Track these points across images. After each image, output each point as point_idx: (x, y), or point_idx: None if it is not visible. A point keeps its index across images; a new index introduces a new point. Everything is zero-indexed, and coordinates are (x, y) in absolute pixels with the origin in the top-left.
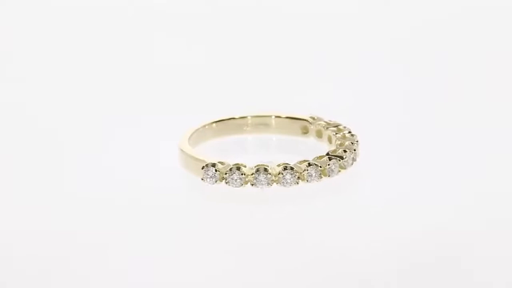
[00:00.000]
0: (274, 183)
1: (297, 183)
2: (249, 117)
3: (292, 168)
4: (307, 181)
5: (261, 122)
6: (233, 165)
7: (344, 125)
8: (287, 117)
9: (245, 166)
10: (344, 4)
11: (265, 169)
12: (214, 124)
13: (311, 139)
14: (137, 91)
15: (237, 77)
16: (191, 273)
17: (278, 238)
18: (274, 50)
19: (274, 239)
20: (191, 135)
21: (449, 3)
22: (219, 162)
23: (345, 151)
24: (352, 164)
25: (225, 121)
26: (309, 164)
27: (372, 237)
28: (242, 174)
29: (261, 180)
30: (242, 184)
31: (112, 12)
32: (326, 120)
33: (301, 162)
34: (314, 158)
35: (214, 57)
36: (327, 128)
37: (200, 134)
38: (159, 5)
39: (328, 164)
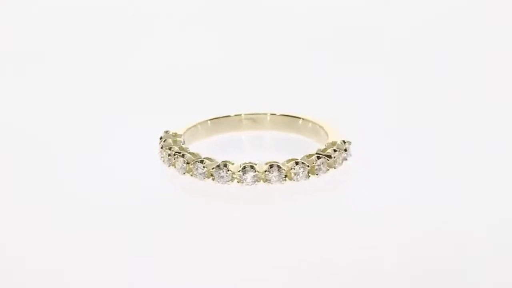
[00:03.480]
0: (235, 180)
1: (257, 183)
2: (243, 115)
3: (252, 167)
4: (269, 182)
5: (256, 120)
6: (201, 158)
7: (345, 133)
8: (281, 115)
9: (211, 161)
10: (342, 4)
11: (225, 165)
12: (208, 122)
13: (307, 138)
14: (137, 91)
15: (236, 77)
16: (191, 273)
17: (275, 238)
18: (272, 49)
19: (273, 239)
20: (184, 133)
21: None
22: (189, 153)
23: (318, 157)
24: (327, 170)
25: (219, 119)
26: (271, 166)
27: (367, 237)
28: (204, 168)
29: (222, 176)
30: (204, 178)
31: (111, 13)
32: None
33: (267, 163)
34: (283, 161)
35: (213, 57)
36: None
37: (193, 133)
38: (156, 6)
39: (293, 168)
